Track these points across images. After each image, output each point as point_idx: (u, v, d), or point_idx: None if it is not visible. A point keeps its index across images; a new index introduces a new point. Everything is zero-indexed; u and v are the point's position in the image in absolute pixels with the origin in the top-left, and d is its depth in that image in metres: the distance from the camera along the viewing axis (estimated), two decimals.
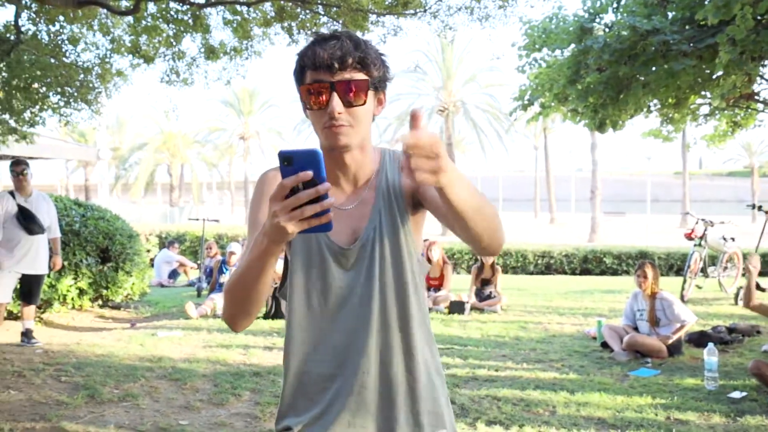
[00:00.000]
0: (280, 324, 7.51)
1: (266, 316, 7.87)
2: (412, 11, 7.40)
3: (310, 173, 1.06)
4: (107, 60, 9.94)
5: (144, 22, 9.09)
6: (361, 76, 1.32)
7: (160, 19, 9.07)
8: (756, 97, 7.83)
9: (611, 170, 60.59)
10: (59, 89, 10.65)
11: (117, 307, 8.51)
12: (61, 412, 4.25)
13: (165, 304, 9.20)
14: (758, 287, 9.15)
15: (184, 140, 43.32)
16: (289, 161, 1.08)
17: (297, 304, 1.44)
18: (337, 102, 1.29)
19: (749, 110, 9.04)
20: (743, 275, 9.92)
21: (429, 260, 8.44)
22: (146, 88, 71.42)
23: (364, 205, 1.43)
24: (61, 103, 10.92)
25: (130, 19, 9.34)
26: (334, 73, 1.30)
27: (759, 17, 5.29)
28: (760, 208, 9.08)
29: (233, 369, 5.46)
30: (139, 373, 5.26)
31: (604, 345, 6.13)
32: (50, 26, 9.02)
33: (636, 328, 6.05)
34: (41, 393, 4.69)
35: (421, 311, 1.46)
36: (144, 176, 41.92)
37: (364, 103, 1.34)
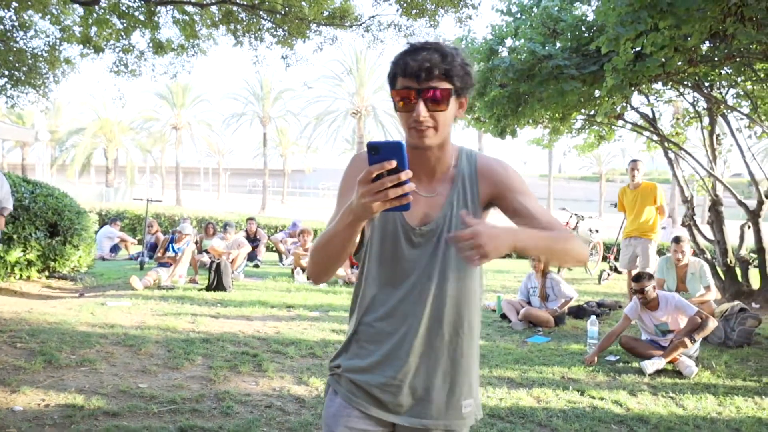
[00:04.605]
0: (222, 295, 7.17)
1: (208, 288, 7.50)
2: (348, 24, 7.20)
3: (394, 162, 1.05)
4: (57, 48, 9.09)
5: (95, 15, 8.34)
6: (445, 85, 1.29)
7: (111, 13, 8.35)
8: (622, 118, 8.26)
9: None
10: (7, 72, 9.64)
11: (63, 277, 7.82)
12: (20, 377, 3.82)
13: (109, 276, 8.55)
14: (615, 270, 9.77)
15: (120, 127, 40.71)
16: (376, 151, 1.07)
17: (370, 268, 1.45)
18: (422, 107, 1.28)
19: (612, 127, 9.54)
20: (603, 260, 10.54)
21: None
22: (89, 76, 66.58)
23: (439, 196, 1.42)
24: (8, 86, 9.90)
25: (80, 10, 8.55)
26: (421, 81, 1.27)
27: (637, 51, 5.52)
28: None
29: (183, 336, 5.13)
30: (93, 339, 4.83)
31: (503, 316, 6.28)
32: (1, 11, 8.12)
33: (529, 302, 6.25)
34: None
35: (473, 295, 1.45)
36: (81, 158, 39.00)
37: (446, 109, 1.31)
